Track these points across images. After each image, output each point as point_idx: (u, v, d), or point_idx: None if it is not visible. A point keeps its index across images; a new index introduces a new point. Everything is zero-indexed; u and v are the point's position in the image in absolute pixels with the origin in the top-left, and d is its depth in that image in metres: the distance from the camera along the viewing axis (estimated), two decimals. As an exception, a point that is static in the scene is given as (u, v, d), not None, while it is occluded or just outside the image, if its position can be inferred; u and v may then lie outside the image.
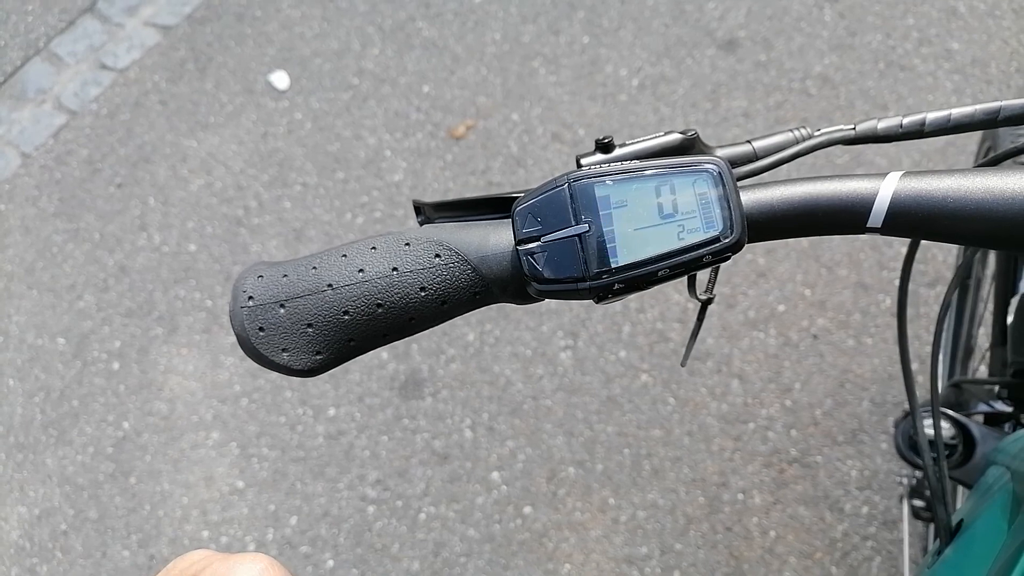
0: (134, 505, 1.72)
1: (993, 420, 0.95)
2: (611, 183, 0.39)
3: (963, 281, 1.24)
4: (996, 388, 0.97)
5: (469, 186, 1.94)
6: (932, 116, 0.48)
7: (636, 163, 0.40)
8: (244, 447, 1.74)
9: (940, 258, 1.69)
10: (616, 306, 1.74)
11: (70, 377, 1.86)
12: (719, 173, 0.39)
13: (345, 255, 0.41)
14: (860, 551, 1.49)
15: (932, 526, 1.23)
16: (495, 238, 0.41)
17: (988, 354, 1.08)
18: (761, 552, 1.51)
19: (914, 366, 1.58)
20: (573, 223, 0.39)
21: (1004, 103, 0.47)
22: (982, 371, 1.16)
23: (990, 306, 1.12)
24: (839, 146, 0.49)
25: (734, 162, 0.46)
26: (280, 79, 2.16)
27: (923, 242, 0.53)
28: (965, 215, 0.39)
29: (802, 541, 1.51)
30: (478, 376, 1.73)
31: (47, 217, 2.07)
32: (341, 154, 2.03)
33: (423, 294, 0.40)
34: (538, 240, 0.39)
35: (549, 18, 2.13)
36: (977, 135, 1.29)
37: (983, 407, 0.95)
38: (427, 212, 0.46)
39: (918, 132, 0.48)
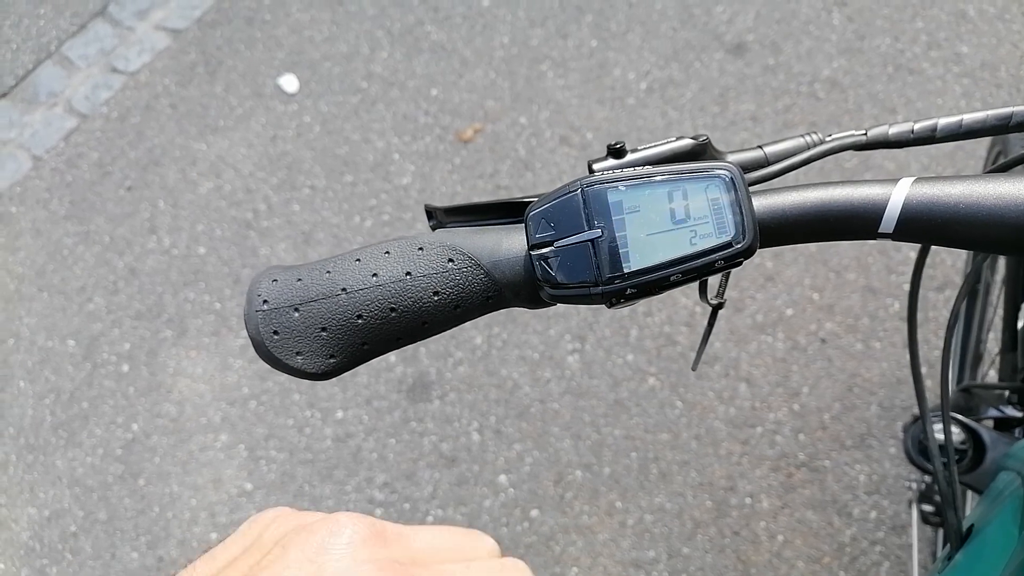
0: (143, 507, 1.73)
1: (1003, 425, 0.95)
2: (624, 188, 0.39)
3: (973, 286, 1.24)
4: (1006, 393, 0.96)
5: (477, 189, 1.95)
6: (944, 122, 0.48)
7: (648, 168, 0.40)
8: (252, 449, 1.75)
9: (949, 263, 1.68)
10: (623, 310, 1.74)
11: (80, 379, 1.87)
12: (731, 179, 0.39)
13: (359, 259, 0.41)
14: (868, 556, 1.49)
15: (941, 531, 1.22)
16: (508, 243, 0.41)
17: (998, 359, 1.08)
18: (769, 556, 1.51)
19: (923, 370, 1.57)
20: (586, 228, 0.39)
21: (1016, 108, 0.47)
22: (992, 376, 1.16)
23: (1000, 311, 1.11)
24: (847, 150, 0.49)
25: (746, 167, 0.46)
26: (289, 82, 2.16)
27: (932, 247, 0.53)
28: (977, 221, 0.39)
29: (810, 546, 1.51)
30: (486, 379, 1.73)
31: (58, 220, 2.08)
32: (350, 157, 2.04)
33: (436, 298, 0.41)
34: (551, 245, 0.39)
35: (557, 22, 2.13)
36: (986, 140, 1.29)
37: (993, 412, 0.95)
38: (439, 217, 0.47)
39: (929, 138, 0.48)
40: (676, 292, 1.72)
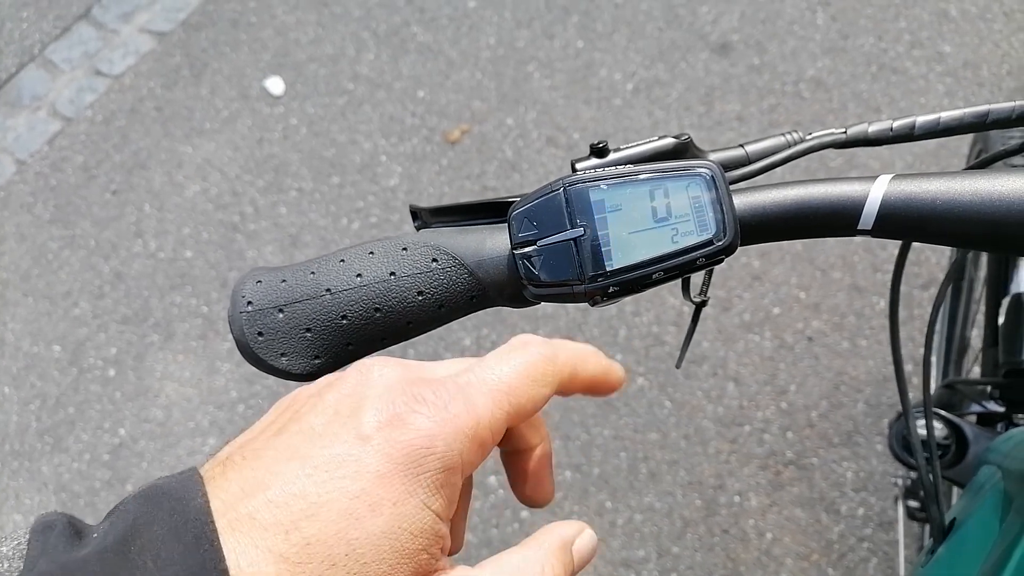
0: (131, 512, 1.72)
1: (986, 420, 0.96)
2: (606, 187, 0.40)
3: (955, 282, 1.25)
4: (988, 388, 0.97)
5: (464, 190, 1.95)
6: (921, 120, 0.48)
7: (630, 167, 0.40)
8: (241, 453, 1.74)
9: (933, 260, 1.70)
10: (611, 310, 1.74)
11: (66, 384, 1.86)
12: (712, 177, 0.40)
13: (343, 260, 0.41)
14: (856, 552, 1.50)
15: (928, 527, 1.23)
16: (491, 242, 0.41)
17: (981, 355, 1.09)
18: (758, 554, 1.52)
19: (908, 367, 1.59)
20: (568, 227, 0.39)
21: (992, 106, 0.47)
22: (975, 372, 1.17)
23: (983, 307, 1.12)
24: (833, 149, 0.50)
25: (727, 166, 0.47)
26: (275, 84, 2.16)
27: (915, 244, 0.54)
28: (954, 217, 0.39)
29: (798, 543, 1.52)
30: (474, 380, 1.73)
31: (42, 224, 2.07)
32: (336, 159, 2.04)
33: (420, 298, 0.41)
34: (534, 244, 0.40)
35: (543, 22, 2.13)
36: (969, 138, 1.30)
37: (976, 407, 0.96)
38: (424, 217, 0.47)
39: (907, 135, 0.48)
40: (663, 291, 1.73)
